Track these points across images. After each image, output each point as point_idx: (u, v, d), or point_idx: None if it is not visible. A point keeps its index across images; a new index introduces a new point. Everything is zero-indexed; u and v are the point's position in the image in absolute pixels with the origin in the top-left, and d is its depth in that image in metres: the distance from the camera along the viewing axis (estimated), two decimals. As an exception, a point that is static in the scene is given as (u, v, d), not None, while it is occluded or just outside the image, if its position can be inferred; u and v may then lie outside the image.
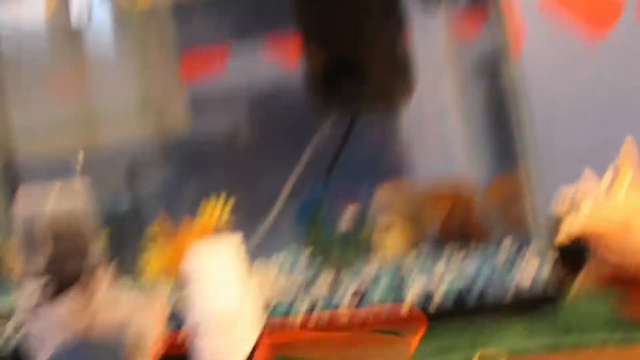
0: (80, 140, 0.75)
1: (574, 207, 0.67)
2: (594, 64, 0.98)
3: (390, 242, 0.76)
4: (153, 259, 0.79)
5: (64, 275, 0.40)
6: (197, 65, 0.91)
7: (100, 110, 0.65)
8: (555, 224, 0.70)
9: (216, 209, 0.77)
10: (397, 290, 0.60)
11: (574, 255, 0.68)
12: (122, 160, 0.88)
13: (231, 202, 0.76)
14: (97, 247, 0.42)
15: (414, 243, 0.79)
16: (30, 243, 0.40)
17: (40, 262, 0.39)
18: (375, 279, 0.60)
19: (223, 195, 0.76)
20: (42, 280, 0.40)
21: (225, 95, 0.98)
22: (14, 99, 0.68)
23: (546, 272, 0.61)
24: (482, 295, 0.60)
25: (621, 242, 0.58)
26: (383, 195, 0.79)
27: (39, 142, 0.75)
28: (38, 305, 0.39)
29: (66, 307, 0.39)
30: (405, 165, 0.97)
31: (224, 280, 0.35)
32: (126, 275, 0.68)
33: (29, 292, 0.40)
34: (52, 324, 0.39)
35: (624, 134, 0.65)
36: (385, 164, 0.93)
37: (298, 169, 0.83)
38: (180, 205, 0.94)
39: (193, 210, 0.77)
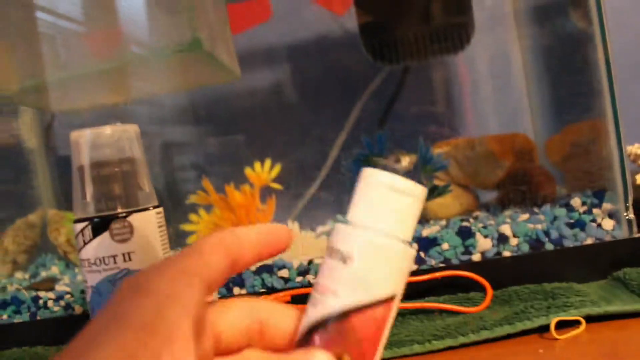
0: (118, 95, 0.73)
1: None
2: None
3: (445, 203, 0.72)
4: (196, 230, 0.75)
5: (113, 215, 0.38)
6: (241, 16, 0.88)
7: (140, 60, 0.61)
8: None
9: (263, 172, 0.73)
10: (461, 249, 0.56)
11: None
12: (159, 116, 0.86)
13: (278, 164, 0.73)
14: (149, 188, 0.40)
15: (473, 204, 0.75)
16: (82, 189, 0.39)
17: (91, 206, 0.38)
18: (437, 239, 0.56)
19: (269, 157, 0.73)
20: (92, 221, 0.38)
21: (271, 47, 0.94)
22: (45, 52, 0.65)
23: (625, 227, 0.56)
24: (554, 254, 0.55)
25: None
26: (439, 152, 0.75)
27: (75, 99, 0.73)
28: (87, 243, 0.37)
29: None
30: (460, 121, 0.92)
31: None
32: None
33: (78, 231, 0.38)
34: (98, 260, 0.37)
35: None
36: (439, 118, 0.89)
37: (348, 124, 0.80)
38: (222, 169, 0.91)
39: (236, 175, 0.74)
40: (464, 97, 0.93)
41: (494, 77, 0.90)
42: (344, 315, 0.28)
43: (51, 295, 0.62)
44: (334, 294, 0.28)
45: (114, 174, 0.38)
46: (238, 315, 0.29)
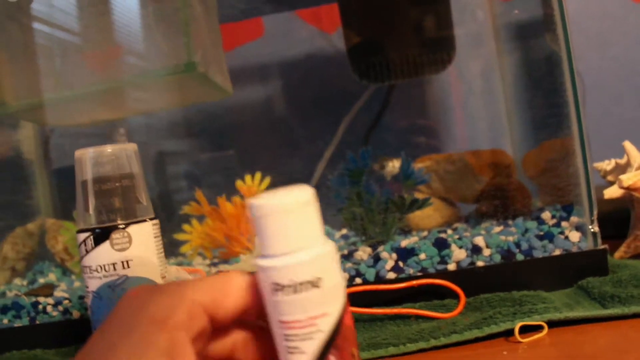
0: (114, 112, 0.76)
1: (619, 167, 0.66)
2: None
3: (427, 215, 0.76)
4: (189, 240, 0.79)
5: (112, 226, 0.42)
6: (235, 34, 0.92)
7: (138, 80, 0.64)
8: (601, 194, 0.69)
9: (253, 184, 0.77)
10: (437, 259, 0.60)
11: (619, 220, 0.67)
12: (155, 130, 0.89)
13: (268, 177, 0.76)
14: (146, 202, 0.44)
15: (454, 216, 0.79)
16: (85, 202, 0.42)
17: (93, 218, 0.42)
18: (415, 249, 0.60)
19: (259, 170, 0.77)
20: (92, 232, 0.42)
21: (262, 64, 0.98)
22: (45, 71, 0.68)
23: (590, 239, 0.60)
24: (524, 264, 0.59)
25: None
26: (421, 167, 0.79)
27: (74, 115, 0.76)
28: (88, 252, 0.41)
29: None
30: (443, 136, 0.96)
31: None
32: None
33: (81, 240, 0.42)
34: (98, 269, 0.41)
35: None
36: (423, 134, 0.93)
37: (335, 139, 0.84)
38: (214, 181, 0.95)
39: (228, 187, 0.77)
40: (446, 115, 0.97)
41: (475, 95, 0.95)
42: (340, 325, 0.31)
43: (50, 300, 0.66)
44: (324, 316, 0.31)
45: (114, 189, 0.42)
46: None
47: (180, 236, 0.78)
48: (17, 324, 0.65)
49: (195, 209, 0.78)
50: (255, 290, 0.32)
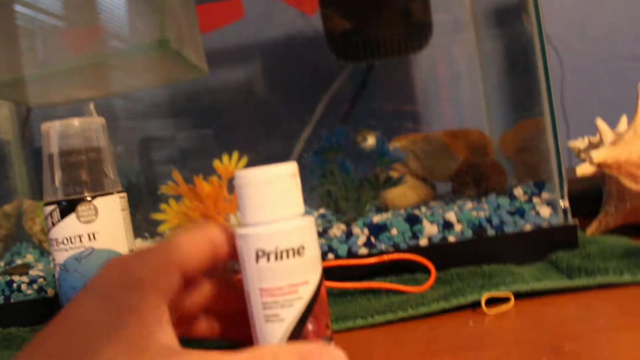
0: (91, 91, 0.76)
1: (592, 145, 0.67)
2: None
3: (402, 194, 0.77)
4: (166, 219, 0.79)
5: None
6: (214, 15, 0.91)
7: (113, 58, 0.64)
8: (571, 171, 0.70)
9: (231, 164, 0.77)
10: (409, 235, 0.60)
11: (593, 198, 0.68)
12: (135, 111, 0.89)
13: (245, 157, 0.76)
14: (114, 175, 0.44)
15: (430, 195, 0.80)
16: (52, 175, 0.42)
17: (60, 190, 0.42)
18: (387, 225, 0.60)
19: (237, 150, 0.77)
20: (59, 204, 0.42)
21: (242, 45, 0.98)
22: (21, 49, 0.68)
23: (561, 215, 0.61)
24: (495, 239, 0.60)
25: None
26: (397, 146, 0.79)
27: (50, 93, 0.76)
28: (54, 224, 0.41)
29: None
30: (421, 117, 0.97)
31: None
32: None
33: (47, 213, 0.42)
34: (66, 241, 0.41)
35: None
36: (400, 115, 0.93)
37: (313, 119, 0.84)
38: (193, 161, 0.95)
39: (206, 167, 0.77)
40: (425, 96, 0.98)
41: (454, 77, 0.95)
42: (318, 294, 0.32)
43: (25, 279, 0.66)
44: (305, 284, 0.32)
45: (80, 162, 0.42)
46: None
47: (157, 216, 0.78)
48: (-8, 302, 0.65)
49: (173, 188, 0.78)
50: (225, 244, 0.33)
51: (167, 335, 0.29)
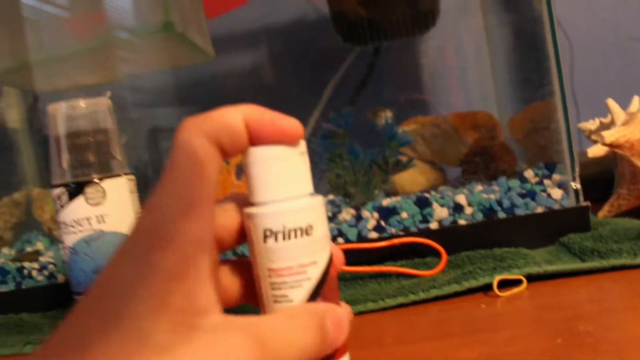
0: (97, 76, 0.76)
1: (603, 126, 0.66)
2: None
3: (412, 178, 0.76)
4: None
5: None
6: (216, 2, 0.91)
7: (118, 41, 0.64)
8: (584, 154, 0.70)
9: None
10: (419, 218, 0.60)
11: (605, 182, 0.67)
12: (142, 98, 0.89)
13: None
14: (122, 158, 0.44)
15: (440, 179, 0.79)
16: (59, 157, 0.42)
17: (68, 173, 0.41)
18: (397, 208, 0.60)
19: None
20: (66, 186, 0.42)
21: (248, 30, 0.97)
22: (30, 34, 0.68)
23: (572, 196, 0.60)
24: (506, 221, 0.59)
25: None
26: (406, 129, 0.78)
27: (56, 78, 0.76)
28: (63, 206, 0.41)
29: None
30: (430, 100, 0.96)
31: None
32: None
33: (55, 196, 0.42)
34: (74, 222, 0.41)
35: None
36: (408, 98, 0.92)
37: (321, 103, 0.83)
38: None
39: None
40: (433, 79, 0.97)
41: (462, 59, 0.94)
42: (326, 274, 0.32)
43: (35, 265, 0.66)
44: (314, 264, 0.31)
45: (88, 144, 0.41)
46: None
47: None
48: (3, 289, 0.66)
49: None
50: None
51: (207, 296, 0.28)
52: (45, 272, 0.65)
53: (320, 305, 0.30)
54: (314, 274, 0.31)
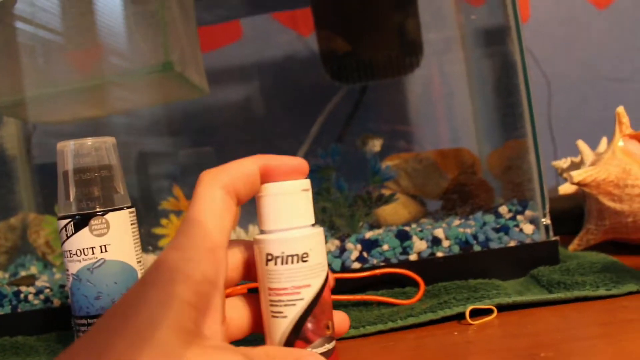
0: (96, 110, 0.79)
1: (574, 165, 0.71)
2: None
3: (394, 211, 0.80)
4: (167, 234, 0.82)
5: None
6: (214, 36, 0.95)
7: (117, 77, 0.67)
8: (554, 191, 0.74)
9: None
10: (399, 250, 0.63)
11: (576, 217, 0.71)
12: (136, 128, 0.92)
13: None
14: (124, 192, 0.47)
15: (420, 212, 0.83)
16: (66, 191, 0.45)
17: (74, 205, 0.45)
18: (379, 241, 0.63)
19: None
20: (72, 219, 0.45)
21: (240, 65, 1.01)
22: (28, 69, 0.71)
23: (543, 231, 0.64)
24: (481, 254, 0.63)
25: (621, 187, 0.61)
26: (389, 164, 0.82)
27: (57, 112, 0.79)
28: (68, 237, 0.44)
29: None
30: (413, 136, 1.00)
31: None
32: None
33: (62, 226, 0.45)
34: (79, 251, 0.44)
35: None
36: (393, 134, 0.96)
37: (309, 138, 0.87)
38: (192, 177, 0.98)
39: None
40: (417, 116, 1.01)
41: (444, 97, 0.99)
42: (319, 297, 0.36)
43: (32, 289, 0.68)
44: (307, 288, 0.36)
45: (93, 179, 0.45)
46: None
47: (158, 230, 0.81)
48: (0, 312, 0.68)
49: (173, 204, 0.81)
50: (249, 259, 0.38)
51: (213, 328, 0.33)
52: (42, 296, 0.68)
53: (297, 351, 0.35)
54: (307, 295, 0.36)
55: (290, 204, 0.36)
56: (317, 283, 0.36)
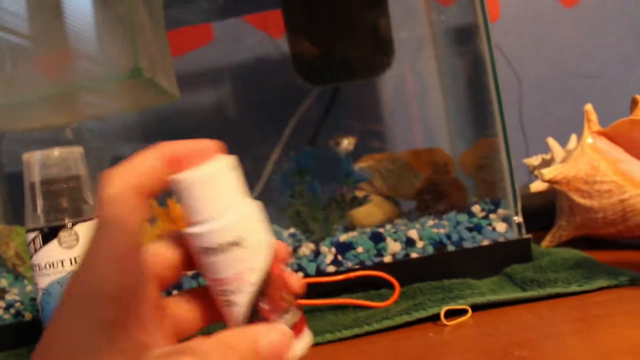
0: (65, 117, 0.78)
1: (545, 162, 0.72)
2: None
3: (368, 212, 0.80)
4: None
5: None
6: (182, 41, 0.94)
7: (85, 84, 0.66)
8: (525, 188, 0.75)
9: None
10: (374, 252, 0.64)
11: (549, 213, 0.72)
12: (108, 135, 0.91)
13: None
14: (93, 202, 0.47)
15: (394, 213, 0.83)
16: (34, 203, 0.45)
17: (42, 218, 0.44)
18: (353, 243, 0.63)
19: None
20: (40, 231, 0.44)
21: (211, 70, 1.00)
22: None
23: (515, 229, 0.65)
24: (455, 254, 0.63)
25: (590, 184, 0.62)
26: (363, 166, 0.83)
27: (24, 119, 0.77)
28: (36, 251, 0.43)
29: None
30: (386, 136, 1.01)
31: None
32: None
33: (30, 240, 0.44)
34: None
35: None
36: (366, 134, 0.97)
37: (282, 141, 0.87)
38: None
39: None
40: (390, 116, 1.01)
41: (416, 97, 0.99)
42: (268, 276, 0.34)
43: (1, 304, 0.67)
44: (251, 271, 0.34)
45: (61, 190, 0.44)
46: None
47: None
48: (-32, 327, 0.66)
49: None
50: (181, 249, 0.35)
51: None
52: (12, 310, 0.67)
53: (252, 330, 0.33)
54: (253, 278, 0.34)
55: (211, 189, 0.33)
56: (261, 263, 0.34)
